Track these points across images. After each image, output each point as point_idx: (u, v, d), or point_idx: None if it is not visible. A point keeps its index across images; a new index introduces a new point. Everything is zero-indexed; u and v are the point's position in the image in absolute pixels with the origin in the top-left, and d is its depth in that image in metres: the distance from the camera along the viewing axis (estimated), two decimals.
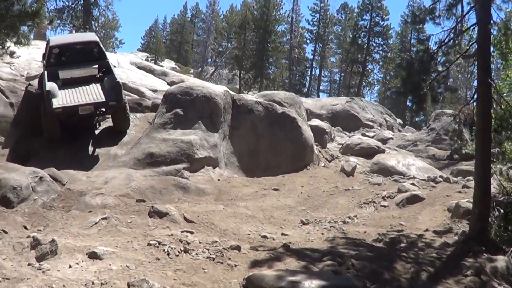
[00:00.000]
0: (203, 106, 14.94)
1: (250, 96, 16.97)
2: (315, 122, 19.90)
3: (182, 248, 7.68)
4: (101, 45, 16.76)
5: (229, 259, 7.39)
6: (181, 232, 8.84)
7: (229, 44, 47.13)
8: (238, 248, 7.87)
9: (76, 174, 13.02)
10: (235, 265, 7.18)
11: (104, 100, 14.32)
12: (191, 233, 8.89)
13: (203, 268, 6.97)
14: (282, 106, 15.96)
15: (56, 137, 14.71)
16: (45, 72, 15.11)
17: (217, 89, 15.73)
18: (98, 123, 16.31)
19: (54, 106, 13.75)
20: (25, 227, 8.79)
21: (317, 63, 49.29)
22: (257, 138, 15.34)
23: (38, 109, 14.61)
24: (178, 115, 14.82)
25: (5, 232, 8.25)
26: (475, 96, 9.48)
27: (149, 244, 7.82)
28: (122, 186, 12.11)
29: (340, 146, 19.15)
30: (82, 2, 36.30)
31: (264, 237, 9.31)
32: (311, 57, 50.00)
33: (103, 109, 14.91)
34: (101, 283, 6.05)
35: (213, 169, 14.16)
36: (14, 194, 10.68)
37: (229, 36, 48.74)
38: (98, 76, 15.37)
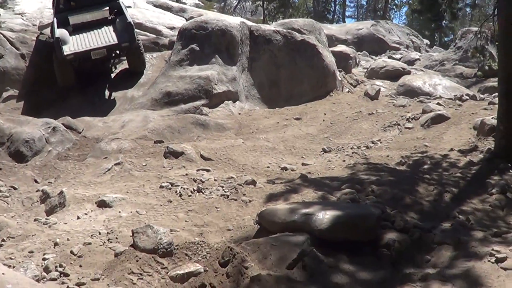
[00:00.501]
0: (219, 40, 14.49)
1: (268, 26, 16.42)
2: (339, 47, 19.28)
3: (195, 188, 7.44)
4: None
5: (244, 195, 7.11)
6: (197, 171, 8.59)
7: None
8: (253, 182, 7.57)
9: (92, 120, 12.84)
10: (250, 201, 6.90)
11: (116, 42, 13.99)
12: (207, 171, 8.64)
13: (216, 207, 6.72)
14: (302, 34, 15.39)
15: (70, 84, 14.52)
16: (55, 19, 14.76)
17: (233, 21, 15.20)
18: (114, 66, 16.03)
19: (65, 53, 13.49)
20: (36, 181, 8.68)
21: None
22: (277, 68, 14.89)
23: (51, 57, 14.35)
24: (194, 50, 14.41)
25: (15, 188, 8.14)
26: (497, 10, 8.88)
27: (161, 187, 7.59)
28: (139, 129, 11.88)
29: (366, 70, 18.52)
30: None
31: (284, 168, 9.02)
32: None
33: (117, 52, 14.69)
34: (107, 232, 5.84)
35: (233, 103, 13.84)
36: (27, 148, 10.53)
37: None
38: (110, 18, 14.93)
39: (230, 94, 13.82)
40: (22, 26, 17.94)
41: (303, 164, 9.37)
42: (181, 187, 7.49)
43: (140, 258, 5.01)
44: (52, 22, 14.89)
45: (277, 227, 5.39)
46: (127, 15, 14.78)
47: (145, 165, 9.06)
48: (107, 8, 15.16)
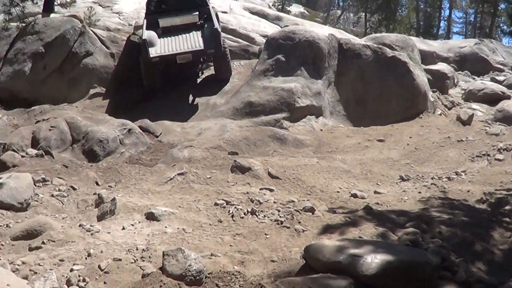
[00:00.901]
0: (305, 51, 14.07)
1: (358, 40, 15.79)
2: (437, 66, 18.27)
3: (250, 209, 7.00)
4: None
5: (299, 222, 6.60)
6: (260, 189, 8.17)
7: None
8: (312, 210, 7.05)
9: (171, 125, 12.76)
10: (303, 230, 6.38)
11: (202, 48, 13.92)
12: (270, 190, 8.20)
13: (265, 233, 6.25)
14: (393, 50, 14.67)
15: (156, 85, 14.63)
16: (145, 20, 14.89)
17: (321, 33, 14.73)
18: (201, 71, 15.95)
19: (151, 55, 13.56)
20: (97, 183, 8.56)
21: (447, 3, 45.70)
22: (365, 85, 14.22)
23: (139, 58, 14.45)
24: (280, 61, 14.07)
25: (74, 189, 8.03)
26: None
27: (215, 204, 7.23)
28: (215, 138, 11.66)
29: (463, 92, 17.43)
30: None
31: (354, 195, 8.44)
32: None
33: (202, 58, 14.64)
34: (143, 249, 5.52)
35: (316, 118, 13.34)
36: (100, 147, 10.62)
37: None
38: (199, 23, 14.88)
39: (313, 109, 13.34)
40: (117, 25, 18.20)
41: (375, 192, 8.75)
42: (235, 207, 7.09)
43: (164, 284, 4.66)
44: (143, 24, 14.97)
45: (321, 265, 4.90)
46: (215, 21, 14.67)
47: (209, 177, 8.75)
48: (197, 13, 15.13)
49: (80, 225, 6.28)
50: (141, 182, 8.51)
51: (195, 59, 14.48)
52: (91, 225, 6.26)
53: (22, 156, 9.72)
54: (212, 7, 15.98)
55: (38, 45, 14.73)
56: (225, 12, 21.11)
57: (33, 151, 10.28)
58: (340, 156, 10.94)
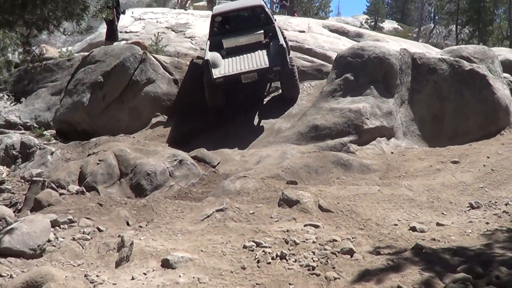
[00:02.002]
0: (375, 69, 13.18)
1: (433, 53, 14.67)
2: None
3: (280, 253, 6.30)
4: (267, 9, 15.89)
5: (333, 268, 5.84)
6: (304, 226, 7.48)
7: None
8: (351, 252, 6.25)
9: (231, 153, 12.29)
10: (335, 278, 5.61)
11: (267, 66, 13.47)
12: (316, 227, 7.48)
13: (289, 283, 5.55)
14: (471, 62, 13.45)
15: (219, 106, 14.35)
16: (208, 42, 14.70)
17: (392, 48, 13.74)
18: (268, 92, 15.55)
19: (214, 76, 13.24)
20: (128, 223, 8.17)
21: None
22: (442, 101, 13.11)
23: (203, 82, 14.19)
24: (348, 80, 13.27)
25: (100, 230, 7.66)
26: None
27: (244, 247, 6.59)
28: (273, 166, 11.04)
29: None
30: None
31: (412, 228, 7.54)
32: None
33: (269, 76, 14.24)
34: None
35: (387, 140, 12.42)
36: (147, 181, 10.29)
37: None
38: (264, 42, 14.45)
39: (384, 130, 12.42)
40: (189, 50, 17.99)
41: (437, 224, 7.78)
42: (264, 250, 6.42)
43: None
44: (206, 45, 14.79)
45: None
46: (280, 38, 14.21)
47: (252, 213, 8.15)
48: (262, 31, 14.72)
49: (85, 275, 5.80)
50: (176, 220, 8.03)
51: (261, 78, 14.01)
52: (97, 275, 5.79)
53: (61, 194, 9.54)
54: (278, 25, 15.59)
55: (97, 75, 14.62)
56: (303, 32, 20.51)
57: (75, 188, 10.11)
58: (407, 182, 9.99)
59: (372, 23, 51.83)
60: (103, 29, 20.68)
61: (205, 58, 13.69)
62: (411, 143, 12.70)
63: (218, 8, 16.67)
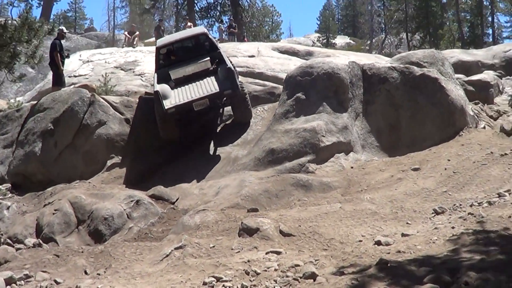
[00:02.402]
0: (325, 85, 12.92)
1: (382, 63, 14.51)
2: (478, 76, 16.82)
3: (240, 286, 5.91)
4: (211, 36, 15.79)
5: None
6: (266, 253, 7.14)
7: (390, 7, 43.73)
8: (313, 276, 5.89)
9: (189, 187, 11.89)
10: None
11: (218, 90, 13.18)
12: (278, 253, 7.13)
13: None
14: (421, 67, 13.28)
15: (174, 139, 14.00)
16: (155, 75, 14.37)
17: (341, 62, 13.55)
18: (221, 118, 15.43)
19: (166, 107, 12.89)
20: (86, 272, 7.69)
21: (486, 9, 43.15)
22: (396, 110, 12.88)
23: (154, 116, 13.90)
24: (300, 99, 12.99)
25: (57, 283, 7.20)
26: None
27: (204, 283, 6.20)
28: (232, 196, 10.69)
29: (510, 97, 15.81)
30: None
31: (377, 242, 7.21)
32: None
33: (220, 101, 13.91)
34: None
35: (346, 155, 12.13)
36: (105, 226, 9.92)
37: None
38: (212, 68, 14.20)
39: (342, 146, 12.13)
40: (140, 87, 17.68)
41: (403, 234, 7.47)
42: (224, 285, 6.04)
43: None
44: (153, 78, 14.49)
45: None
46: (228, 62, 14.05)
47: (213, 246, 7.76)
48: (208, 58, 14.45)
49: None
50: (135, 263, 7.62)
51: (213, 104, 13.69)
52: None
53: (18, 249, 9.09)
54: (223, 51, 15.42)
55: (47, 122, 14.14)
56: (253, 56, 20.36)
57: (31, 241, 9.68)
58: (369, 195, 9.70)
59: (324, 41, 52.25)
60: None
61: (155, 90, 13.37)
62: (370, 155, 12.43)
63: (162, 40, 16.44)
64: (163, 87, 13.56)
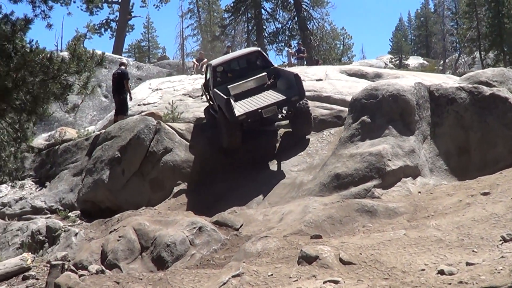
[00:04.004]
0: (391, 107, 12.71)
1: (450, 83, 14.10)
2: None
3: None
4: (264, 54, 16.16)
5: None
6: (324, 283, 6.97)
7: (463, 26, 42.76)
8: None
9: (254, 213, 11.87)
10: None
11: (285, 97, 13.57)
12: (336, 282, 6.96)
13: None
14: (490, 86, 12.85)
15: (237, 146, 14.34)
16: (216, 90, 14.62)
17: (406, 84, 13.24)
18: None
19: (237, 114, 13.15)
20: None
21: None
22: (465, 131, 12.45)
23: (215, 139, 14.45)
24: (365, 123, 12.82)
25: None
26: None
27: None
28: (295, 222, 10.58)
29: None
30: (296, 19, 36.13)
31: (440, 272, 6.95)
32: None
33: (286, 108, 14.40)
34: None
35: (413, 179, 11.82)
36: (168, 252, 10.01)
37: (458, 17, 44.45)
38: (269, 83, 14.70)
39: (409, 170, 11.83)
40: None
41: (467, 264, 7.15)
42: None
43: None
44: (214, 93, 14.76)
45: None
46: (290, 71, 14.70)
47: (271, 275, 7.66)
48: (265, 73, 14.87)
49: None
50: None
51: (279, 111, 14.13)
52: None
53: (81, 276, 9.27)
54: (277, 66, 16.14)
55: (114, 150, 14.56)
56: (320, 80, 20.23)
57: (95, 268, 9.87)
58: (435, 221, 9.37)
59: (397, 62, 51.62)
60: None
61: (225, 98, 13.52)
62: (439, 179, 12.06)
63: (216, 60, 17.01)
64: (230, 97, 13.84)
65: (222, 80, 15.45)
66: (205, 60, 27.42)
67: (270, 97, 13.88)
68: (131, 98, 17.97)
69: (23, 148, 11.74)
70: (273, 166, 14.39)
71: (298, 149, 14.68)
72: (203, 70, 26.24)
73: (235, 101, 14.22)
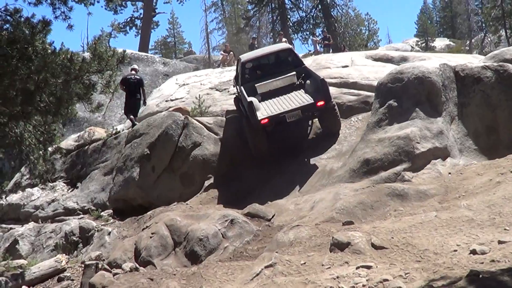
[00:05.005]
0: (417, 90, 12.64)
1: (475, 62, 14.02)
2: None
3: None
4: (295, 52, 16.04)
5: None
6: (356, 268, 7.08)
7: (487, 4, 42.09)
8: None
9: (285, 203, 11.98)
10: None
11: (311, 101, 13.35)
12: (368, 268, 7.06)
13: None
14: None
15: (264, 152, 14.14)
16: (242, 88, 14.56)
17: (431, 65, 13.20)
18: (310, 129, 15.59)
19: (259, 118, 13.06)
20: None
21: None
22: (493, 110, 12.37)
23: (242, 130, 14.33)
24: (392, 107, 12.80)
25: None
26: None
27: None
28: (327, 209, 10.68)
29: None
30: (320, 7, 35.99)
31: (473, 251, 7.02)
32: None
33: (311, 113, 14.07)
34: None
35: (443, 161, 11.79)
36: (200, 247, 10.12)
37: None
38: (298, 83, 14.47)
39: (438, 151, 11.83)
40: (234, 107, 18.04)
41: (499, 242, 7.20)
42: None
43: None
44: (241, 92, 14.73)
45: None
46: (318, 74, 14.19)
47: (304, 263, 7.79)
48: (294, 73, 14.69)
49: None
50: (226, 284, 7.77)
51: (304, 116, 13.84)
52: None
53: (115, 274, 9.52)
54: (308, 65, 15.69)
55: (144, 147, 14.73)
56: (346, 66, 20.19)
57: (128, 265, 10.08)
58: (466, 201, 9.41)
59: (423, 44, 51.15)
60: (151, 100, 21.03)
61: (248, 101, 13.51)
62: (469, 159, 12.04)
63: (246, 55, 16.81)
64: (254, 99, 13.80)
65: (250, 77, 15.42)
66: (232, 52, 27.52)
67: (296, 100, 13.73)
68: (145, 103, 18.77)
69: (51, 150, 11.98)
70: (302, 154, 14.45)
71: (328, 137, 14.69)
72: (229, 61, 26.40)
73: (262, 99, 14.21)
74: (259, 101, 14.07)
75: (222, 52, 29.30)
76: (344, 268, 7.29)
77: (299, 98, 13.72)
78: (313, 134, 15.34)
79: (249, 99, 13.70)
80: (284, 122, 13.54)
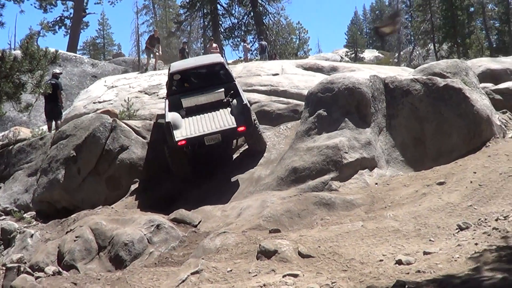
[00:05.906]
0: (347, 100, 12.66)
1: (405, 75, 14.21)
2: (505, 84, 16.44)
3: None
4: (227, 66, 15.48)
5: None
6: (283, 277, 6.95)
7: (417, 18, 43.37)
8: None
9: (212, 209, 11.75)
10: None
11: (233, 126, 12.85)
12: (295, 276, 6.95)
13: None
14: (444, 78, 12.96)
15: (185, 172, 13.67)
16: (167, 101, 14.13)
17: (361, 76, 13.27)
18: (236, 147, 15.15)
19: (176, 139, 12.58)
20: None
21: None
22: (420, 122, 12.52)
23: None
24: (321, 116, 12.77)
25: None
26: None
27: None
28: (254, 217, 10.54)
29: None
30: (252, 14, 36.09)
31: (398, 262, 6.99)
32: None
33: (232, 137, 13.70)
34: None
35: (370, 171, 11.84)
36: (126, 251, 9.84)
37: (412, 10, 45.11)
38: (225, 100, 13.95)
39: (365, 162, 11.85)
40: (163, 111, 17.65)
41: (424, 253, 7.22)
42: None
43: None
44: (164, 106, 14.22)
45: None
46: (243, 96, 13.64)
47: (230, 270, 7.60)
48: (222, 89, 14.20)
49: None
50: None
51: (225, 140, 13.40)
52: None
53: (37, 278, 9.08)
54: (238, 82, 15.10)
55: (70, 149, 14.20)
56: (276, 74, 20.10)
57: (51, 269, 9.67)
58: (392, 212, 9.43)
59: (353, 55, 52.08)
60: (78, 102, 20.42)
61: (166, 120, 12.99)
62: (395, 170, 12.12)
63: (176, 65, 15.98)
64: (174, 116, 13.30)
65: (177, 89, 14.81)
66: (158, 44, 26.35)
67: (218, 121, 13.19)
68: (62, 107, 18.28)
69: None
70: (228, 165, 14.26)
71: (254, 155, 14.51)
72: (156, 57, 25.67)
73: (187, 114, 13.70)
74: (183, 116, 13.61)
75: (147, 40, 27.12)
76: (271, 276, 7.14)
77: (222, 120, 13.22)
78: (238, 151, 15.10)
79: (168, 117, 13.17)
80: (203, 144, 13.09)
